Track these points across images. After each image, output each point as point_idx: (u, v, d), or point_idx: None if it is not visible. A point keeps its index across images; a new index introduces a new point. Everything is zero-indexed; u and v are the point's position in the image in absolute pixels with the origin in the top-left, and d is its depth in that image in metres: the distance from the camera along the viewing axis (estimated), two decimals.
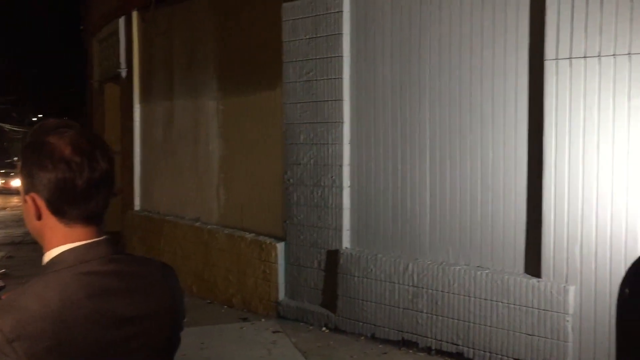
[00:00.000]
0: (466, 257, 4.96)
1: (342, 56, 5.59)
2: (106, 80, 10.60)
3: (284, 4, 5.98)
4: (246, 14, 6.80)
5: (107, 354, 1.17)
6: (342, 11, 5.57)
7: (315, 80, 5.79)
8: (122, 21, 9.04)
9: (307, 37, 5.82)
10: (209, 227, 7.22)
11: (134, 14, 8.71)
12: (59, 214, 1.20)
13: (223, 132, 7.21)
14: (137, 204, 8.81)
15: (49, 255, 1.21)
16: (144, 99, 8.77)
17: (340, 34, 5.59)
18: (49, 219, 1.21)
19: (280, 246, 6.15)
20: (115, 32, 9.33)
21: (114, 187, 1.27)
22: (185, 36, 7.82)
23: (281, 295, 6.16)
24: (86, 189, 1.19)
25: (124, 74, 9.12)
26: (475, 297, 4.79)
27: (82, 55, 13.27)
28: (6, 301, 1.14)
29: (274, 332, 5.69)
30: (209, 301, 6.92)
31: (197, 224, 7.43)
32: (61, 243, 1.21)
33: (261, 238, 6.42)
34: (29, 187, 1.21)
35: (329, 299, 5.76)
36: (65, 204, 1.19)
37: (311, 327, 5.76)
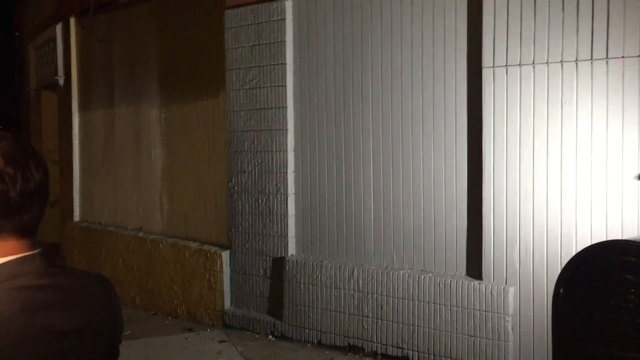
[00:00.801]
0: (410, 261, 5.04)
1: (285, 64, 5.61)
2: (43, 88, 10.28)
3: (227, 11, 5.96)
4: (188, 21, 6.74)
5: None
6: (284, 19, 5.60)
7: (259, 87, 5.79)
8: (59, 27, 8.79)
9: (250, 44, 5.82)
10: (152, 237, 7.10)
11: (72, 20, 8.50)
12: None
13: (166, 141, 7.11)
14: (77, 214, 8.57)
15: None
16: (83, 108, 8.56)
17: (283, 42, 5.61)
18: None
19: (225, 255, 6.10)
20: (53, 39, 9.06)
21: (48, 198, 1.24)
22: (126, 43, 7.68)
23: (227, 304, 6.11)
24: (20, 202, 1.16)
25: (61, 81, 8.87)
26: (419, 301, 4.87)
27: (16, 63, 12.86)
28: None
29: (220, 341, 5.64)
30: (153, 312, 6.80)
31: (140, 234, 7.29)
32: None
33: (206, 247, 6.35)
34: None
35: (275, 306, 5.75)
36: None
37: (257, 336, 5.73)
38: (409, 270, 4.99)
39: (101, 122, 8.17)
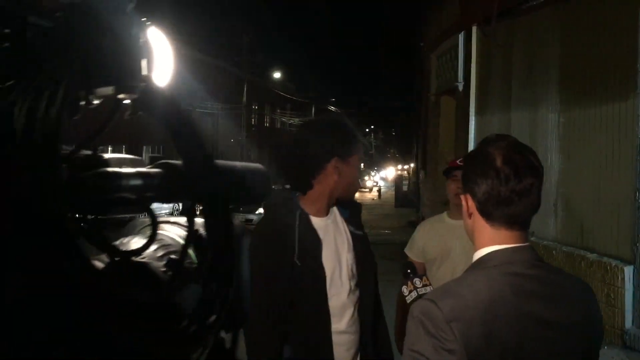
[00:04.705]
0: None
1: None
2: (443, 94, 11.03)
3: None
4: (591, 21, 6.43)
5: (523, 352, 1.23)
6: None
7: None
8: (461, 36, 9.32)
9: None
10: (544, 242, 7.00)
11: (474, 29, 8.90)
12: (484, 215, 1.33)
13: (563, 145, 6.93)
14: None
15: (479, 254, 1.34)
16: (479, 111, 8.90)
17: None
18: (477, 219, 1.35)
19: (628, 270, 5.66)
20: (454, 47, 9.65)
21: (538, 199, 1.32)
22: (524, 47, 7.72)
23: (628, 323, 5.66)
24: (507, 197, 1.29)
25: (460, 87, 9.39)
26: None
27: (417, 70, 14.08)
28: (444, 287, 1.31)
29: None
30: None
31: (532, 238, 7.24)
32: (488, 244, 1.33)
33: (605, 259, 5.99)
34: (465, 188, 1.37)
35: None
36: (490, 207, 1.31)
37: None
38: None
39: (496, 126, 8.37)
